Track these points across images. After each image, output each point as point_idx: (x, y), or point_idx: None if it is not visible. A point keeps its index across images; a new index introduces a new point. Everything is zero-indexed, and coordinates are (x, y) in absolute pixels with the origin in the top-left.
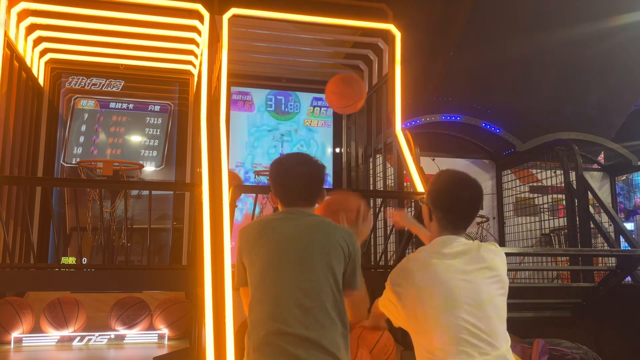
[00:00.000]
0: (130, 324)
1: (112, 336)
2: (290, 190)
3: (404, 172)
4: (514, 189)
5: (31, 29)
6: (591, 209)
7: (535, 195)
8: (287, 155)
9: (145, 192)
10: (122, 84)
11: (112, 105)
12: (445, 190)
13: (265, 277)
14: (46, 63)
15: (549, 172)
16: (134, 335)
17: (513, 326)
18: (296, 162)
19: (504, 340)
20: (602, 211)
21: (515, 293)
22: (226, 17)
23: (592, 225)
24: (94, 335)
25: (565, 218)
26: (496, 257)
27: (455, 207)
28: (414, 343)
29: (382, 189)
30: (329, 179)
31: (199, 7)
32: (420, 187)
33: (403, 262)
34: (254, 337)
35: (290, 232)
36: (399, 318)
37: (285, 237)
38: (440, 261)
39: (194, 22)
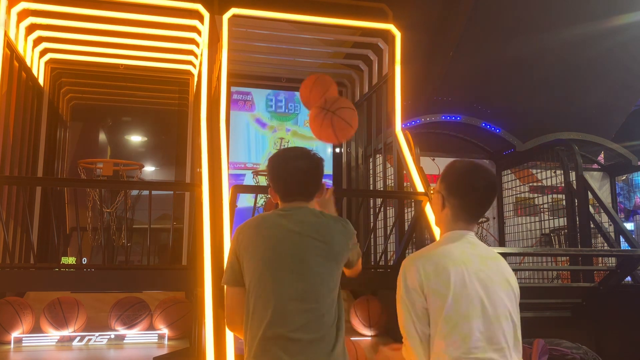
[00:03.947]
0: (130, 324)
1: (112, 336)
2: (289, 184)
3: (404, 172)
4: (514, 189)
5: (31, 29)
6: (591, 209)
7: (535, 195)
8: (286, 149)
9: (145, 192)
10: (122, 84)
11: (112, 105)
12: (462, 176)
13: (262, 278)
14: (46, 63)
15: (549, 172)
16: (134, 335)
17: None
18: (295, 155)
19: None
20: (602, 211)
21: None
22: (226, 17)
23: (592, 225)
24: (94, 335)
25: (565, 218)
26: (511, 273)
27: (472, 193)
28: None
29: (382, 189)
30: (329, 179)
31: (199, 7)
32: (420, 187)
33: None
34: (251, 339)
35: (287, 230)
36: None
37: (281, 235)
38: (465, 267)
39: (194, 22)
